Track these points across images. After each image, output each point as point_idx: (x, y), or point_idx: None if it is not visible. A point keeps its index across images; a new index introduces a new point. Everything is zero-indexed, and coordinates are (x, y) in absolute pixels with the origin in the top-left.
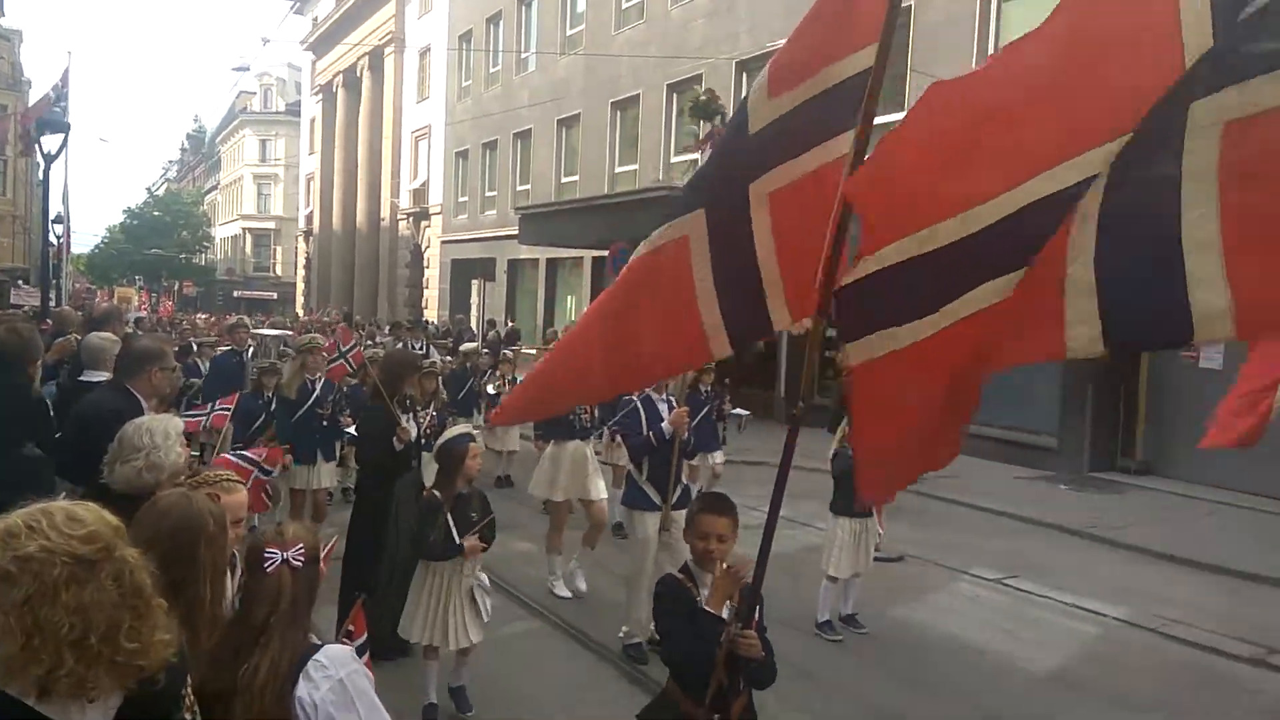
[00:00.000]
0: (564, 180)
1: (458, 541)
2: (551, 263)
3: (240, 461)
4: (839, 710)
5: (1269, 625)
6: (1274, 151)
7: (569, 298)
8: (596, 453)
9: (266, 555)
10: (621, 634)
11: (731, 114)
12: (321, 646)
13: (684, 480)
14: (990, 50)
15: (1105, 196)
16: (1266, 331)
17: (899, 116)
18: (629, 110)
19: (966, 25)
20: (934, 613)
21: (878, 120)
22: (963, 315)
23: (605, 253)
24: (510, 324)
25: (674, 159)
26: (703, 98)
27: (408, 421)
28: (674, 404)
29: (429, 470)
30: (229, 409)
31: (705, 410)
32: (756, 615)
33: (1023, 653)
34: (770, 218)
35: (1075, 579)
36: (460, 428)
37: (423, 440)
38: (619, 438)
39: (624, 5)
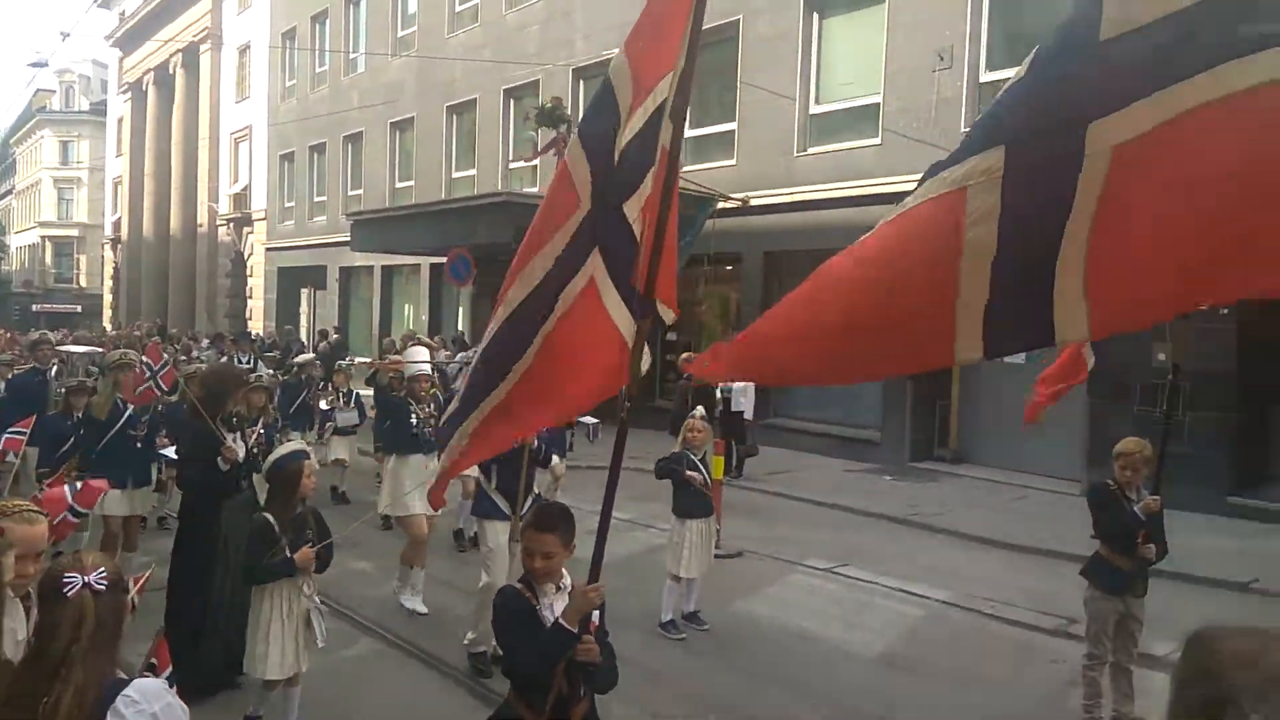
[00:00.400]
0: (399, 185)
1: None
2: (387, 270)
3: (68, 495)
4: (683, 708)
5: (1068, 598)
6: (1148, 170)
7: (406, 305)
8: None
9: (65, 581)
10: (466, 641)
11: (584, 128)
12: (130, 680)
13: (535, 489)
14: (814, 63)
15: (1000, 224)
16: (1115, 330)
17: (731, 126)
18: (465, 115)
19: (791, 40)
20: (772, 605)
21: (704, 130)
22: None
23: (444, 259)
24: (335, 335)
25: (512, 165)
26: (548, 105)
27: (235, 440)
28: None
29: (264, 491)
30: (23, 433)
31: None
32: (596, 619)
33: (854, 638)
34: (644, 228)
35: (901, 565)
36: (292, 445)
37: (252, 458)
38: None
39: (458, 8)
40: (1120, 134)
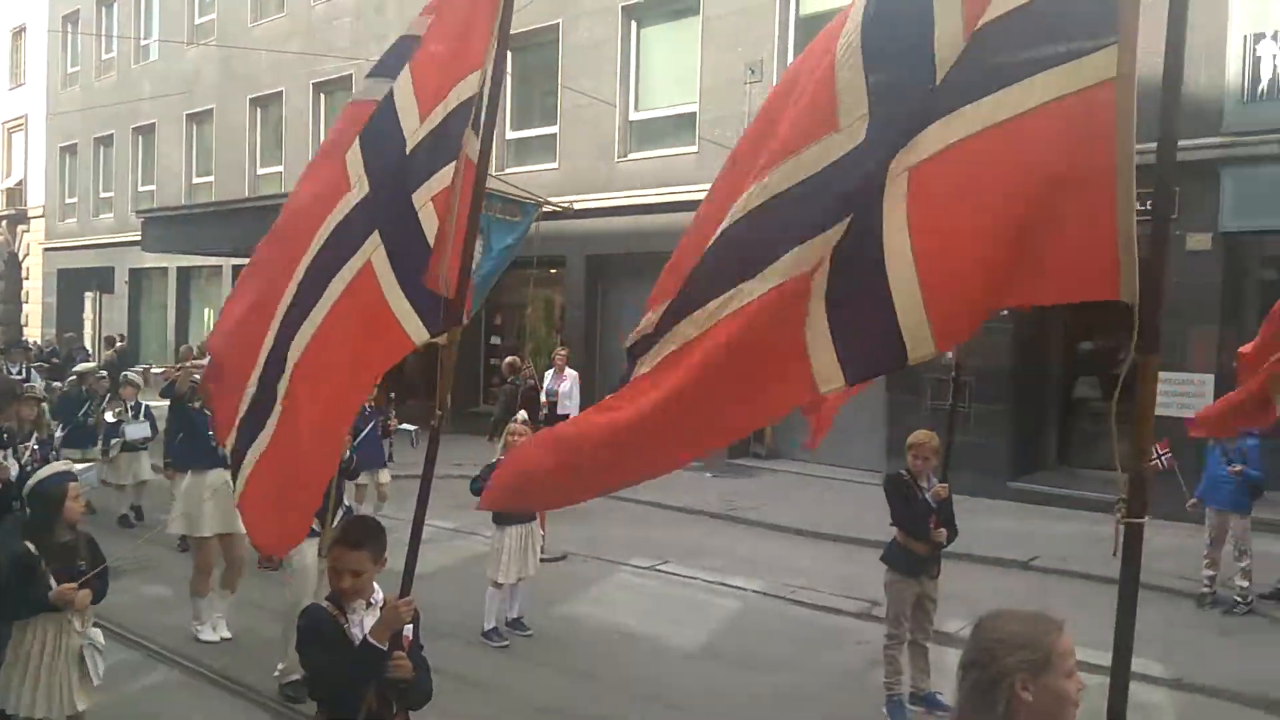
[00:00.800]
0: (196, 181)
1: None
2: (184, 271)
3: None
4: (507, 716)
5: (870, 582)
6: (948, 189)
7: (206, 310)
8: None
9: None
10: (278, 672)
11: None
12: None
13: (346, 502)
14: (633, 71)
15: (832, 263)
16: (955, 340)
17: (553, 130)
18: (271, 108)
19: (610, 46)
20: (595, 605)
21: (526, 133)
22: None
23: (248, 260)
24: (122, 344)
25: None
26: None
27: (6, 457)
28: None
29: None
30: None
31: (369, 427)
32: (410, 634)
33: (673, 632)
34: (436, 218)
35: (718, 559)
36: (57, 465)
37: (26, 477)
38: None
39: None
40: (914, 157)
